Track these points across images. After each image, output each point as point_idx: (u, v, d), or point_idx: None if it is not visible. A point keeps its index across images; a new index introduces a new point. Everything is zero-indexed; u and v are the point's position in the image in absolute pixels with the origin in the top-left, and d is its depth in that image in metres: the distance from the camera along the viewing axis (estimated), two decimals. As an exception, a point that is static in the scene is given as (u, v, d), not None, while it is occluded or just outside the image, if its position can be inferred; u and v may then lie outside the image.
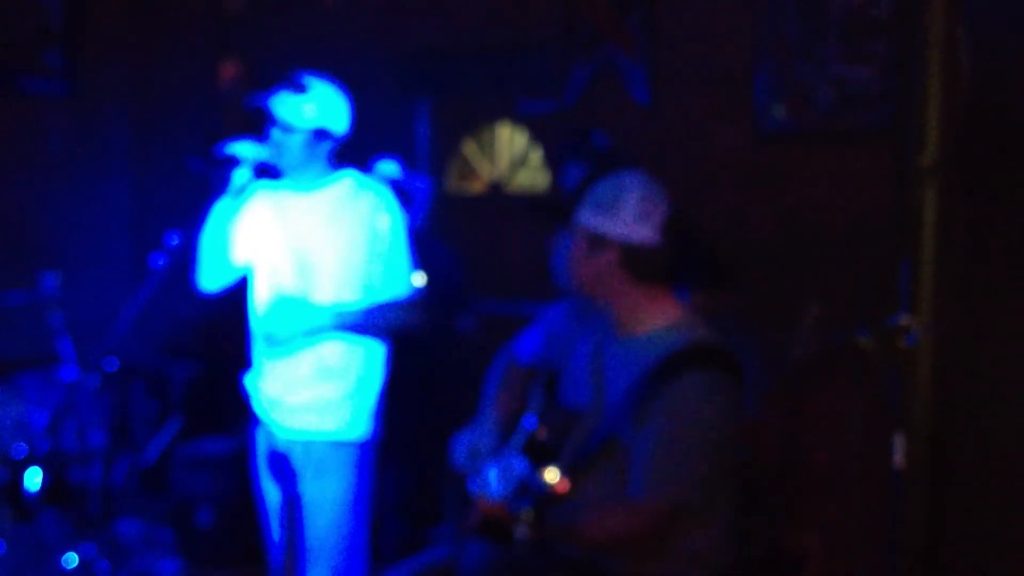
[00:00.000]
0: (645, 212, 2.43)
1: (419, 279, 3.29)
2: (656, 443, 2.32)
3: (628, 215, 2.44)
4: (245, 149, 3.17)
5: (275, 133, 3.17)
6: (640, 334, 2.48)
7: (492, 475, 2.26)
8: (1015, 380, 2.12)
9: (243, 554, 4.71)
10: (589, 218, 2.44)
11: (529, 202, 2.56)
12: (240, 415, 5.01)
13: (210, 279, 3.35)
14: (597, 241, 2.44)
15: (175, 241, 3.04)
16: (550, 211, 2.48)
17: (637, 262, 2.44)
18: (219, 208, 3.22)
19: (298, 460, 3.20)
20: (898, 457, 1.64)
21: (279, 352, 3.19)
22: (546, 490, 2.21)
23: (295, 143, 3.15)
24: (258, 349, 3.29)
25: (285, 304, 3.11)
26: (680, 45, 4.27)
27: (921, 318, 1.59)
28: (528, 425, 2.45)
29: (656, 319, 2.48)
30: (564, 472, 2.29)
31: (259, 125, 3.22)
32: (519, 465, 2.26)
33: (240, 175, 3.18)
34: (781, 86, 3.98)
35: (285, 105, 3.14)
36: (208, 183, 3.21)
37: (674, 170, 4.21)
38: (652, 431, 2.32)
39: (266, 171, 3.26)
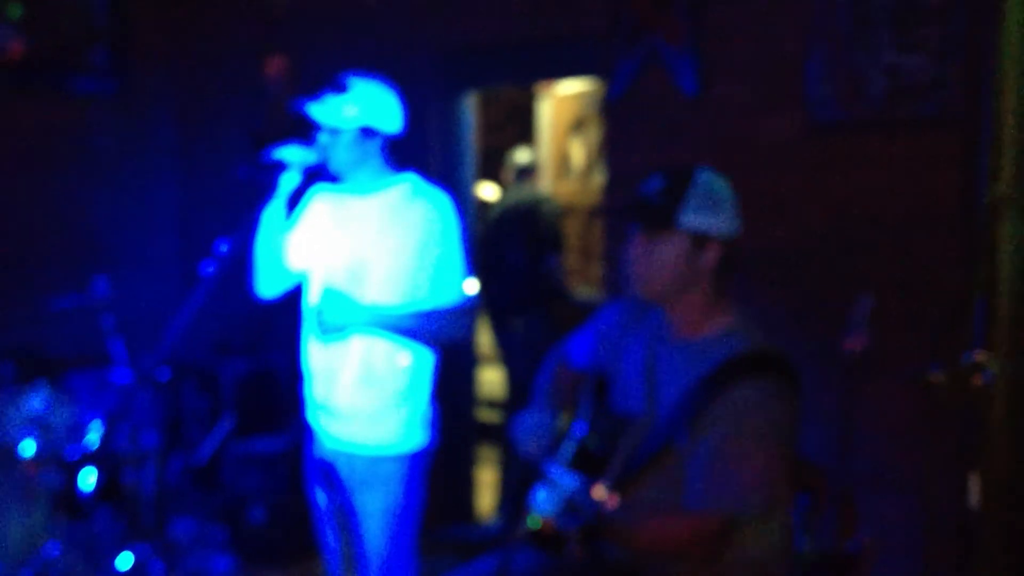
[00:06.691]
0: (737, 207, 2.43)
1: (472, 287, 3.23)
2: (713, 452, 2.28)
3: (730, 211, 2.42)
4: (292, 153, 3.15)
5: (322, 136, 3.16)
6: (696, 338, 2.44)
7: (541, 491, 2.22)
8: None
9: (295, 551, 4.74)
10: (694, 219, 2.38)
11: (623, 207, 2.48)
12: (292, 412, 5.04)
13: (268, 286, 3.36)
14: (700, 241, 2.40)
15: (224, 248, 3.03)
16: (653, 214, 2.41)
17: (730, 258, 2.43)
18: (269, 213, 3.22)
19: (343, 470, 3.17)
20: (974, 498, 1.57)
21: (326, 348, 3.15)
22: (596, 508, 2.19)
23: (342, 144, 3.13)
24: (307, 351, 3.27)
25: (334, 296, 3.08)
26: (728, 34, 4.19)
27: (998, 355, 1.52)
28: (578, 432, 2.42)
29: (715, 323, 2.44)
30: (614, 487, 2.26)
31: (305, 125, 3.21)
32: (568, 480, 2.23)
33: (288, 179, 3.17)
34: (832, 75, 3.89)
35: (327, 107, 3.12)
36: (256, 186, 3.20)
37: (723, 161, 4.14)
38: (709, 439, 2.28)
39: (323, 174, 3.24)
